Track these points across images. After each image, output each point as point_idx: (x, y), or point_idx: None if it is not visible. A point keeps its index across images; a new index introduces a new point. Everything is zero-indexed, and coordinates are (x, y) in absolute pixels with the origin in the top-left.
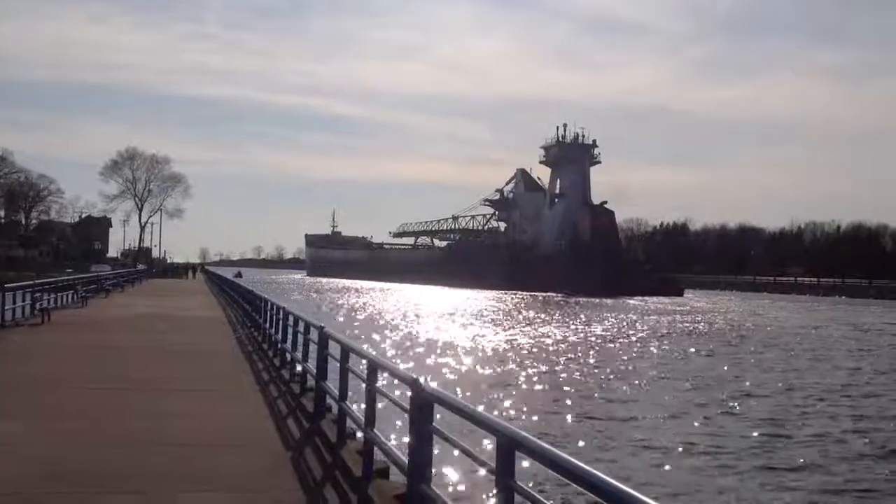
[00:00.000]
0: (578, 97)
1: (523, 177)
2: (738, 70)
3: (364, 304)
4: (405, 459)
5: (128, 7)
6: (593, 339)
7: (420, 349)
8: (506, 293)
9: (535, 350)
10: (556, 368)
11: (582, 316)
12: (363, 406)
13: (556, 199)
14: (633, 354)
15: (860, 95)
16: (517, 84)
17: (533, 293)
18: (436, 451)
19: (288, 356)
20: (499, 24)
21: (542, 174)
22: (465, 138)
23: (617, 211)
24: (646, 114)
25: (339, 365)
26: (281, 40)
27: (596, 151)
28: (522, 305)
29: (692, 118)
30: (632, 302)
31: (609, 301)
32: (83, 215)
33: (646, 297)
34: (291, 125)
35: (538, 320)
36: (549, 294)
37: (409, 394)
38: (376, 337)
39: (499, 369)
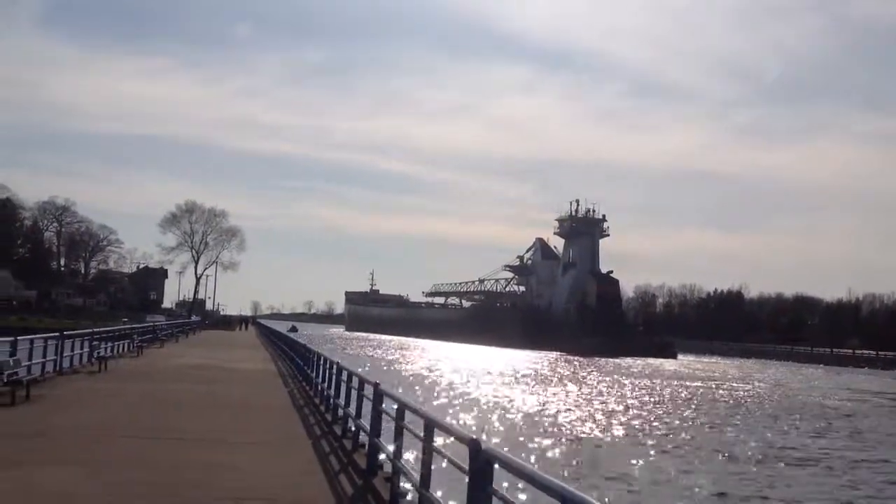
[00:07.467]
0: (625, 159)
1: (541, 245)
2: (788, 135)
3: (397, 358)
4: None
5: (183, 63)
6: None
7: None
8: (521, 351)
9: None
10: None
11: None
12: (417, 464)
13: (568, 268)
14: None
15: None
16: (564, 145)
17: (543, 351)
18: None
19: (340, 411)
20: (548, 85)
21: (559, 243)
22: (511, 198)
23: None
24: (694, 177)
25: (393, 422)
26: (332, 97)
27: (605, 226)
28: (530, 363)
29: (741, 183)
30: (625, 362)
31: (603, 360)
32: (140, 266)
33: (645, 359)
34: (340, 181)
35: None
36: (555, 353)
37: (467, 454)
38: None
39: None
